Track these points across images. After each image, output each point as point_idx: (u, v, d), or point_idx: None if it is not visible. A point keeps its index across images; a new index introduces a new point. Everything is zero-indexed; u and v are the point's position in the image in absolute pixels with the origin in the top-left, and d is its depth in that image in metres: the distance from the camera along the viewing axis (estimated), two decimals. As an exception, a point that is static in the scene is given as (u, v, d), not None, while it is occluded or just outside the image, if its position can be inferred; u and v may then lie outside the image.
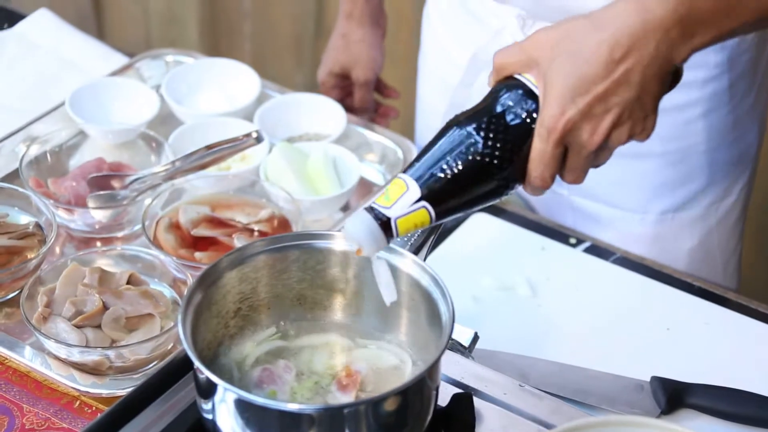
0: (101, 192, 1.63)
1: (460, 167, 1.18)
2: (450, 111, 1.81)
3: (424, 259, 1.29)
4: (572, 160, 1.21)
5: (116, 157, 1.73)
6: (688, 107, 1.67)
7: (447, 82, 1.81)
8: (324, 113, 1.85)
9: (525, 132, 1.20)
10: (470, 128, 1.19)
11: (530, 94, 1.20)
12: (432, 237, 1.35)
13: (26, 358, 1.44)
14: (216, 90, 1.90)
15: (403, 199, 1.19)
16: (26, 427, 1.39)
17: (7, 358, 1.46)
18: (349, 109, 1.97)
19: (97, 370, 1.43)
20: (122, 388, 1.40)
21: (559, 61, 1.18)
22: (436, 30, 1.85)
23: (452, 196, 1.19)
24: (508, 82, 1.21)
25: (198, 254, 1.57)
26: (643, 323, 1.55)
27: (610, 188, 1.74)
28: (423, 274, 1.26)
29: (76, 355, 1.42)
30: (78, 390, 1.42)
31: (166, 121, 1.83)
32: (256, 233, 1.61)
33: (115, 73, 1.91)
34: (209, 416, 1.20)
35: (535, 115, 1.20)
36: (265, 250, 1.29)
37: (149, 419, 1.31)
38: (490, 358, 1.44)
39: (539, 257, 1.65)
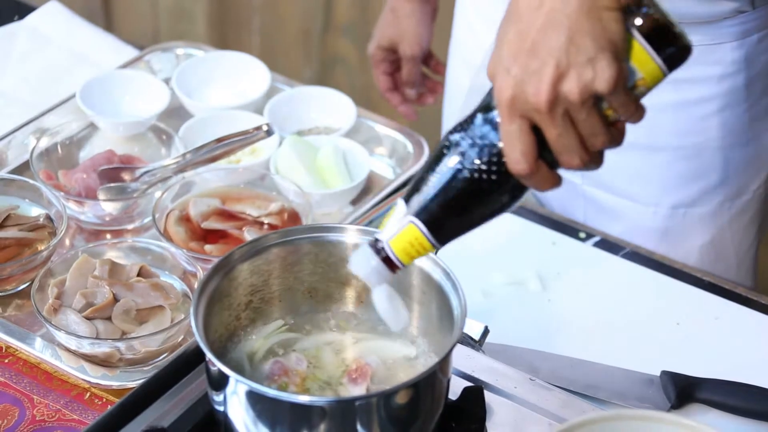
0: (111, 184, 1.63)
1: (442, 176, 1.12)
2: (472, 92, 1.81)
3: (435, 253, 1.29)
4: (547, 134, 1.11)
5: (126, 149, 1.73)
6: (703, 103, 1.66)
7: (472, 63, 1.80)
8: (334, 107, 1.85)
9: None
10: (451, 136, 1.13)
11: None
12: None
13: (37, 350, 1.45)
14: (226, 83, 1.90)
15: (392, 218, 1.15)
16: (37, 419, 1.39)
17: (17, 350, 1.46)
18: (398, 83, 1.98)
19: (108, 361, 1.43)
20: (133, 380, 1.40)
21: (499, 34, 1.11)
22: (467, 10, 1.85)
23: (442, 207, 1.13)
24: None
25: (208, 247, 1.57)
26: (653, 318, 1.55)
27: (623, 179, 1.74)
28: (435, 268, 1.26)
29: (87, 347, 1.42)
30: (88, 382, 1.42)
31: (176, 113, 1.83)
32: (266, 226, 1.61)
33: (125, 66, 1.91)
34: (221, 408, 1.21)
35: None
36: (277, 242, 1.29)
37: (160, 411, 1.31)
38: (501, 352, 1.44)
39: (549, 252, 1.64)
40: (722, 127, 1.68)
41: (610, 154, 1.72)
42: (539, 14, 1.07)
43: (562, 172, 1.15)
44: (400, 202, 1.15)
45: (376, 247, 1.16)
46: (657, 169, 1.72)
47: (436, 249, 1.16)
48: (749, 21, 1.63)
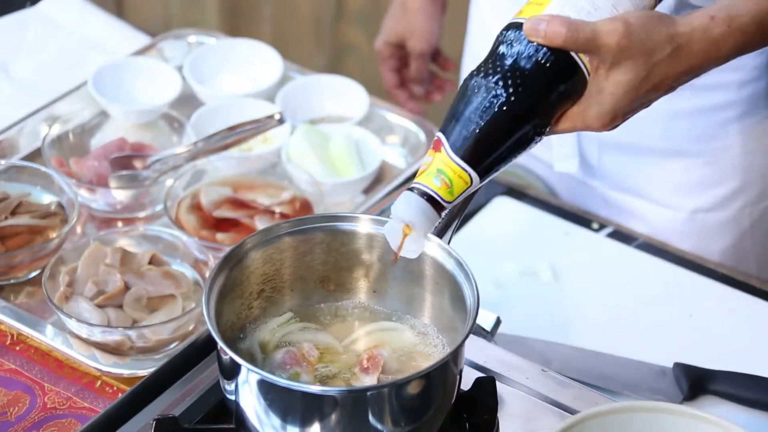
0: (123, 172, 1.63)
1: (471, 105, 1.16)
2: None
3: (448, 243, 1.29)
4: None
5: (138, 137, 1.73)
6: (724, 109, 1.65)
7: None
8: (346, 95, 1.84)
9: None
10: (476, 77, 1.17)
11: (579, 70, 1.18)
12: (456, 221, 1.35)
13: (48, 337, 1.45)
14: (238, 71, 1.89)
15: (467, 192, 1.16)
16: (48, 406, 1.39)
17: (28, 337, 1.46)
18: (405, 79, 1.96)
19: (119, 350, 1.43)
20: (144, 369, 1.40)
21: (629, 78, 1.17)
22: (482, 9, 1.84)
23: (498, 160, 1.16)
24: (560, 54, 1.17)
25: (219, 235, 1.57)
26: (666, 309, 1.54)
27: (643, 183, 1.73)
28: (448, 258, 1.26)
29: (98, 335, 1.42)
30: (99, 370, 1.42)
31: (187, 101, 1.82)
32: (277, 215, 1.60)
33: (137, 53, 1.91)
34: (232, 397, 1.20)
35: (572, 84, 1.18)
36: (289, 231, 1.29)
37: (171, 399, 1.31)
38: (513, 342, 1.44)
39: (562, 242, 1.64)
40: (743, 133, 1.67)
41: (629, 160, 1.71)
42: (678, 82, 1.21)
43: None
44: (475, 177, 1.15)
45: (419, 190, 1.15)
46: (677, 173, 1.70)
47: (474, 181, 1.16)
48: None
